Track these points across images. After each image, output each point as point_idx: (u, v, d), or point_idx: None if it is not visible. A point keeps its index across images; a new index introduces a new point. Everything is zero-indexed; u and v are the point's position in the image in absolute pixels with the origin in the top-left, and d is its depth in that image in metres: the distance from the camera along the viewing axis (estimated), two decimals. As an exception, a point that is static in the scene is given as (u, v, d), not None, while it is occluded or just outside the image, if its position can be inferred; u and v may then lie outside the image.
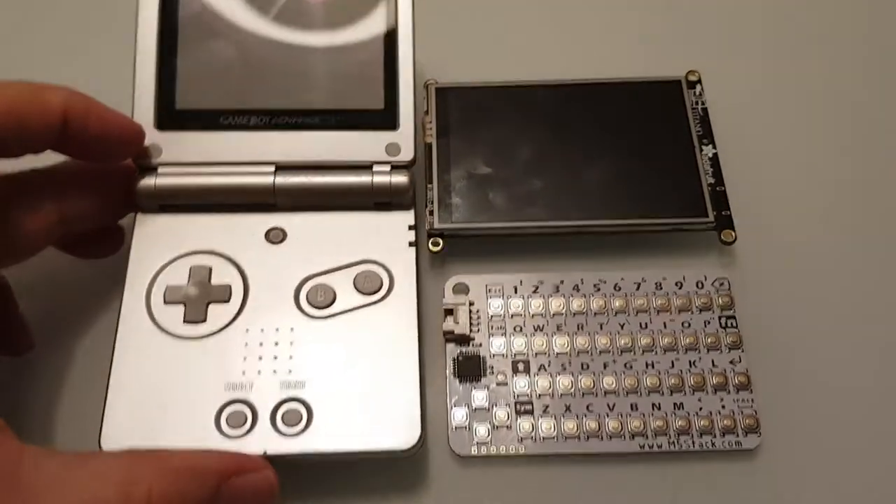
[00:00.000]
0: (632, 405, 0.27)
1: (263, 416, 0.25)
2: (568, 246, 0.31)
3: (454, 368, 0.28)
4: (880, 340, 0.29)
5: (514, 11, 0.38)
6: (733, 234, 0.30)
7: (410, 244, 0.28)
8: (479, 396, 0.27)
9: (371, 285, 0.27)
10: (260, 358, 0.26)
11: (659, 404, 0.27)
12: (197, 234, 0.28)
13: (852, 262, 0.31)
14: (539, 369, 0.28)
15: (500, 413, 0.27)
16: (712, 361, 0.28)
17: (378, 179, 0.28)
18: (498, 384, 0.28)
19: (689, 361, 0.28)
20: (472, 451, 0.26)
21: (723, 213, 0.30)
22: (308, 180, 0.28)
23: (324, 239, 0.28)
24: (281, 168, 0.28)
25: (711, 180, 0.31)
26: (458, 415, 0.27)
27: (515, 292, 0.29)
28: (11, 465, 0.19)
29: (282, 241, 0.28)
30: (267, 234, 0.28)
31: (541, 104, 0.32)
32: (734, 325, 0.29)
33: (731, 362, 0.28)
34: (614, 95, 0.33)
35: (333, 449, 0.25)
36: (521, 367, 0.28)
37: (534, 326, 0.29)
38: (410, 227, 0.29)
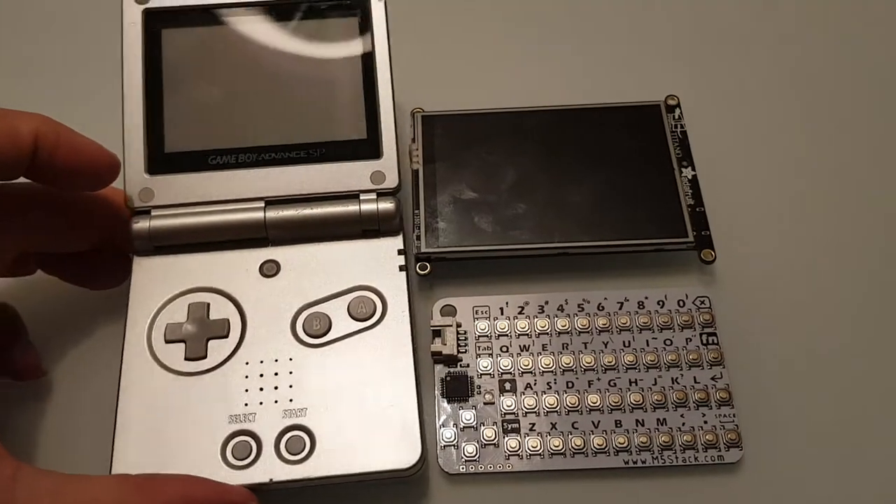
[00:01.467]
0: (616, 422, 0.28)
1: (268, 445, 0.25)
2: (552, 267, 0.31)
3: (442, 388, 0.29)
4: (860, 355, 0.30)
5: (497, 41, 0.39)
6: (713, 253, 0.31)
7: (401, 268, 0.29)
8: (467, 415, 0.28)
9: (365, 311, 0.28)
10: (261, 389, 0.27)
11: (643, 420, 0.28)
12: (193, 273, 0.29)
13: (830, 279, 0.32)
14: (525, 388, 0.29)
15: (488, 431, 0.28)
16: (694, 378, 0.29)
17: (365, 207, 0.29)
18: (485, 403, 0.28)
19: (672, 378, 0.29)
20: (460, 468, 0.27)
21: (702, 232, 0.31)
22: (298, 213, 0.29)
23: (316, 269, 0.29)
24: (270, 203, 0.29)
25: (691, 201, 0.32)
26: (447, 433, 0.28)
27: (501, 313, 0.30)
28: (6, 481, 0.20)
29: (276, 273, 0.29)
30: (261, 268, 0.29)
31: (524, 130, 0.33)
32: (715, 341, 0.29)
33: (712, 378, 0.29)
34: (596, 120, 0.34)
35: (337, 472, 0.25)
36: (507, 386, 0.29)
37: (520, 346, 0.29)
38: (400, 252, 0.29)
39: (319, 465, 0.25)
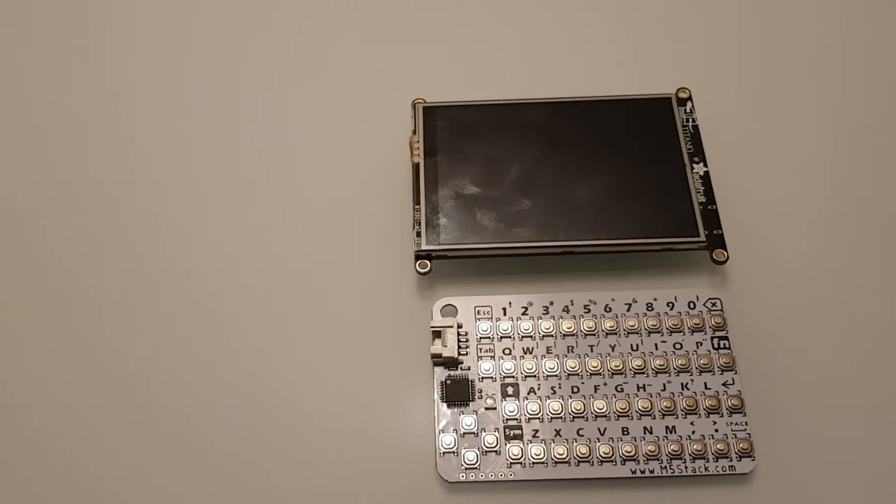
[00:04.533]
0: (623, 429, 0.27)
1: None
2: (557, 266, 0.30)
3: (442, 392, 0.27)
4: (876, 361, 0.29)
5: (502, 30, 0.38)
6: (725, 253, 0.30)
7: None
8: (468, 421, 0.27)
9: None
10: None
11: (651, 428, 0.27)
12: None
13: (846, 281, 0.30)
14: (529, 393, 0.27)
15: (489, 438, 0.27)
16: (705, 384, 0.27)
17: None
18: (487, 408, 0.27)
19: (681, 384, 0.28)
20: (460, 476, 0.26)
21: (714, 232, 0.30)
22: None
23: None
24: None
25: (703, 199, 0.31)
26: (446, 440, 0.26)
27: (504, 314, 0.29)
28: None
29: None
30: None
31: (530, 122, 0.32)
32: (727, 346, 0.28)
33: (723, 384, 0.27)
34: (604, 113, 0.32)
35: None
36: (510, 390, 0.27)
37: (523, 349, 0.28)
38: None
39: None
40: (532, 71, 0.36)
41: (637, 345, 0.28)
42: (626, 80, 0.34)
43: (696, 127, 0.32)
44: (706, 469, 0.26)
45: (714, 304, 0.29)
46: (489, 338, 0.29)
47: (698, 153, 0.32)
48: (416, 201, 0.30)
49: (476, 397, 0.27)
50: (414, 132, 0.32)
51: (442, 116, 0.32)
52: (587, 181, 0.31)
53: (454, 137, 0.32)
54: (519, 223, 0.30)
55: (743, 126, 0.34)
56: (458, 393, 0.27)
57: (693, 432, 0.27)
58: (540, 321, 0.29)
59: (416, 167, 0.31)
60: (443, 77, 0.35)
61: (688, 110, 0.33)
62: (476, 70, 0.36)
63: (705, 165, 0.31)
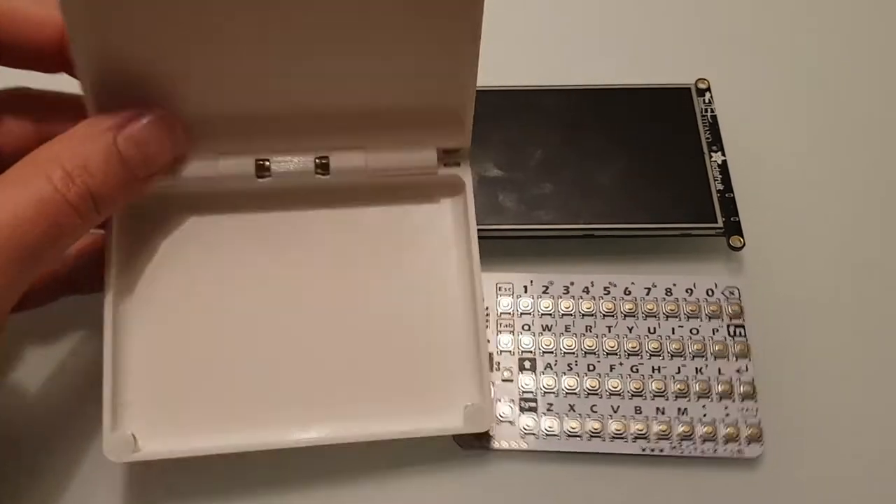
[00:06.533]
0: (636, 408, 0.27)
1: None
2: (576, 249, 0.31)
3: (461, 363, 0.28)
4: (892, 356, 0.29)
5: (525, 18, 0.38)
6: (741, 239, 0.30)
7: None
8: (484, 391, 0.28)
9: None
10: None
11: (663, 409, 0.27)
12: None
13: (864, 271, 0.31)
14: (545, 368, 0.28)
15: (504, 408, 0.27)
16: (719, 369, 0.28)
17: None
18: (503, 380, 0.28)
19: (696, 368, 0.28)
20: (473, 443, 0.27)
21: (731, 219, 0.31)
22: None
23: None
24: None
25: (720, 187, 0.31)
26: (463, 408, 0.27)
27: (525, 291, 0.30)
28: None
29: None
30: None
31: (553, 109, 0.33)
32: (742, 333, 0.29)
33: (737, 371, 0.28)
34: (625, 102, 0.33)
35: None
36: (527, 364, 0.28)
37: (542, 326, 0.29)
38: None
39: None
40: (555, 59, 0.36)
41: (654, 328, 0.29)
42: (647, 69, 0.35)
43: (714, 117, 0.33)
44: (714, 451, 0.27)
45: (732, 293, 0.29)
46: (509, 313, 0.29)
47: (716, 142, 0.32)
48: (440, 183, 0.31)
49: (494, 369, 0.28)
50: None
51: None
52: (608, 167, 0.31)
53: (478, 122, 0.32)
54: (540, 206, 0.30)
55: (761, 116, 0.35)
56: (477, 364, 0.28)
57: (704, 415, 0.27)
58: (560, 300, 0.29)
59: (440, 150, 0.32)
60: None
61: (707, 100, 0.33)
62: (499, 57, 0.36)
63: (723, 154, 0.32)
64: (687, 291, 0.29)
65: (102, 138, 0.22)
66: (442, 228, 0.28)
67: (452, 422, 0.25)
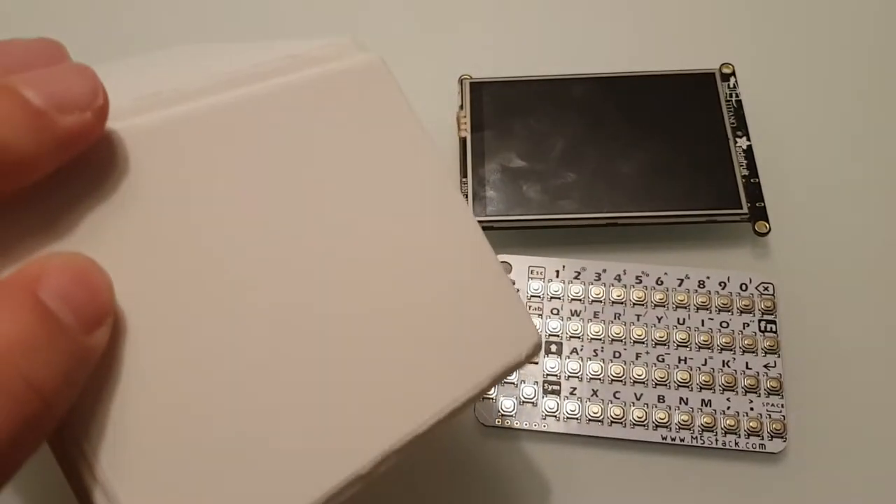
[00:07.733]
0: (659, 397, 0.28)
1: None
2: (600, 238, 0.31)
3: (488, 342, 0.29)
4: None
5: (548, 7, 0.38)
6: (767, 225, 0.30)
7: None
8: (509, 372, 0.28)
9: None
10: None
11: (686, 399, 0.27)
12: None
13: (892, 257, 0.30)
14: (571, 352, 0.28)
15: (528, 390, 0.28)
16: (746, 363, 0.28)
17: None
18: (529, 362, 0.28)
19: (723, 361, 0.28)
20: (496, 422, 0.27)
21: (757, 204, 0.30)
22: None
23: None
24: None
25: (745, 172, 0.31)
26: (487, 387, 0.28)
27: (557, 276, 0.30)
28: None
29: None
30: None
31: (574, 98, 0.33)
32: (773, 329, 0.28)
33: (765, 366, 0.28)
34: (648, 88, 0.33)
35: None
36: (553, 348, 0.29)
37: (571, 311, 0.29)
38: None
39: None
40: (577, 47, 0.36)
41: (684, 319, 0.29)
42: (671, 55, 0.35)
43: (739, 102, 0.33)
44: (736, 444, 0.27)
45: (766, 289, 0.29)
46: (539, 297, 0.30)
47: (741, 128, 0.32)
48: (464, 174, 0.31)
49: (520, 351, 0.29)
50: (461, 107, 0.33)
51: (488, 92, 0.33)
52: (631, 155, 0.31)
53: (500, 112, 0.33)
54: (564, 195, 0.31)
55: (786, 101, 0.34)
56: (504, 345, 0.29)
57: (728, 408, 0.27)
58: (591, 287, 0.30)
59: (462, 142, 0.32)
60: (489, 53, 0.36)
61: (731, 85, 0.33)
62: (522, 46, 0.36)
63: (748, 140, 0.32)
64: (720, 285, 0.29)
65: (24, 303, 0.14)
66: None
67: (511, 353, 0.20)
